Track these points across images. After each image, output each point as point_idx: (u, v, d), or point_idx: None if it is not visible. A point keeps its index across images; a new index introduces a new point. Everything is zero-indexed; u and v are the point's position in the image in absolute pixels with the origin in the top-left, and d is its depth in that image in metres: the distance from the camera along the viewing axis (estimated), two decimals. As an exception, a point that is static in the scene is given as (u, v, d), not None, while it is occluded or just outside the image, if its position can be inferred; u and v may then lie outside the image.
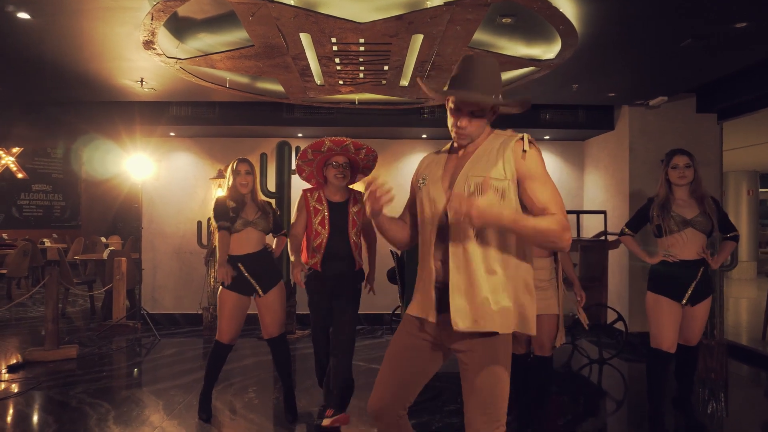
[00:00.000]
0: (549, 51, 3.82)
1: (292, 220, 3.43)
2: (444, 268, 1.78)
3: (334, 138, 3.13)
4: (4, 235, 11.73)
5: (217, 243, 3.38)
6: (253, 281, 3.34)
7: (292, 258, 3.30)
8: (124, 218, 12.41)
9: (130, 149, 6.13)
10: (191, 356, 5.08)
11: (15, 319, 7.06)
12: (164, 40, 3.53)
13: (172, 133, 6.31)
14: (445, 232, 1.78)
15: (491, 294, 1.72)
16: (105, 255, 6.85)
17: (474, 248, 1.73)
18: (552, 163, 6.72)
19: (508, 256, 1.77)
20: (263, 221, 3.39)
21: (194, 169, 6.54)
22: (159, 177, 6.46)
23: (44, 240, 10.53)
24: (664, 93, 5.14)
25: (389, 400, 1.89)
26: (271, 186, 6.04)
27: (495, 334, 1.74)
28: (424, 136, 6.51)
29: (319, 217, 3.27)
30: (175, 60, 3.71)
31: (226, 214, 3.36)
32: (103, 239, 12.10)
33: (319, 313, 3.39)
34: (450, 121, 1.82)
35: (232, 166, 3.39)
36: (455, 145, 1.89)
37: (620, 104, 5.72)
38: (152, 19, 2.91)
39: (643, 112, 5.63)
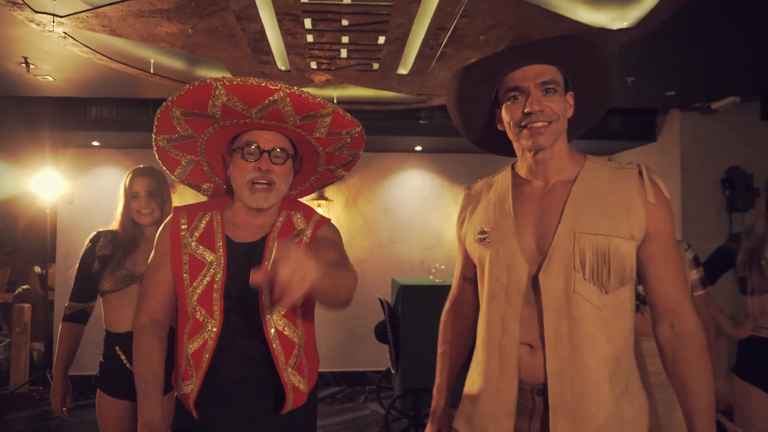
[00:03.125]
0: (622, 17, 2.59)
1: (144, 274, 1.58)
2: (535, 356, 1.19)
3: (240, 81, 1.24)
4: None
5: (58, 338, 2.15)
6: None
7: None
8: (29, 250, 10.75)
9: (35, 163, 4.68)
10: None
11: None
12: (27, -18, 2.18)
13: (95, 143, 4.89)
14: (536, 307, 1.19)
15: (609, 405, 1.14)
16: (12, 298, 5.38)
17: (590, 337, 1.15)
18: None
19: (626, 338, 1.21)
20: None
21: (125, 189, 5.11)
22: (76, 198, 5.00)
23: (-43, 272, 8.87)
24: (733, 93, 3.98)
25: None
26: (223, 211, 4.66)
27: None
28: (418, 148, 5.22)
29: (201, 286, 1.37)
30: (52, 18, 2.35)
31: (89, 279, 2.08)
32: (38, 269, 10.48)
33: None
34: (509, 118, 1.24)
35: (125, 182, 2.13)
36: (522, 172, 1.32)
37: (668, 108, 4.55)
38: None
39: (697, 118, 4.46)
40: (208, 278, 1.36)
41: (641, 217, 1.19)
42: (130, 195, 2.12)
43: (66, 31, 2.51)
